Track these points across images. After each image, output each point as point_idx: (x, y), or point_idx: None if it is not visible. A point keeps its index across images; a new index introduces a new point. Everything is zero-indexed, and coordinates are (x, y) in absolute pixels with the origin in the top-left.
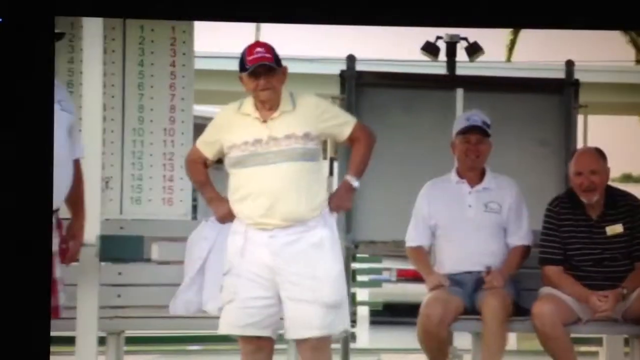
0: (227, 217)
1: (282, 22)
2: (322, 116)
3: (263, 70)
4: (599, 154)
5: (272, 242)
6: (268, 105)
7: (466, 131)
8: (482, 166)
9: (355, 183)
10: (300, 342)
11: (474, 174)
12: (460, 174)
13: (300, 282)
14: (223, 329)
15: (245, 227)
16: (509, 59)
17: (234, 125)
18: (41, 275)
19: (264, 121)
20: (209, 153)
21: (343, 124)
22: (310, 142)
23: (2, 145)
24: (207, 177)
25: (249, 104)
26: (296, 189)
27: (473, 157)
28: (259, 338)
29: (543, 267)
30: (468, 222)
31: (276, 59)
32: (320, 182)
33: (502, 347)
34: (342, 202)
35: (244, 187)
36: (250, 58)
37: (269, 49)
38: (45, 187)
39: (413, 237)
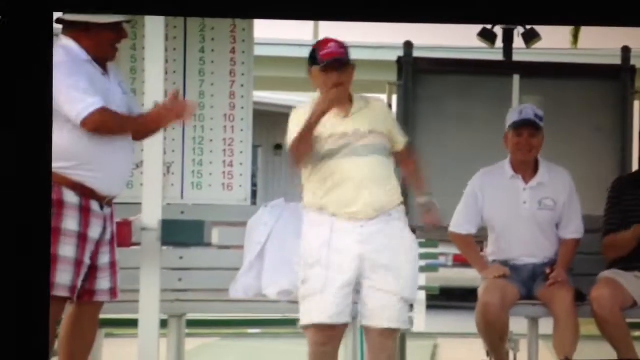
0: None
1: (334, 20)
2: (389, 119)
3: (337, 66)
4: None
5: (362, 231)
6: (338, 101)
7: (519, 125)
8: (535, 158)
9: (430, 197)
10: (372, 329)
11: (527, 167)
12: (514, 168)
13: (386, 273)
14: (311, 319)
15: (330, 218)
16: (575, 45)
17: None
18: (41, 274)
19: (346, 115)
20: None
21: (401, 134)
22: (386, 139)
23: (1, 145)
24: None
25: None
26: (382, 180)
27: (525, 151)
28: (334, 327)
29: (606, 237)
30: (522, 219)
31: (347, 55)
32: (395, 177)
33: (577, 337)
34: (434, 219)
35: (333, 177)
36: (323, 52)
37: (341, 44)
38: (45, 187)
39: (461, 224)
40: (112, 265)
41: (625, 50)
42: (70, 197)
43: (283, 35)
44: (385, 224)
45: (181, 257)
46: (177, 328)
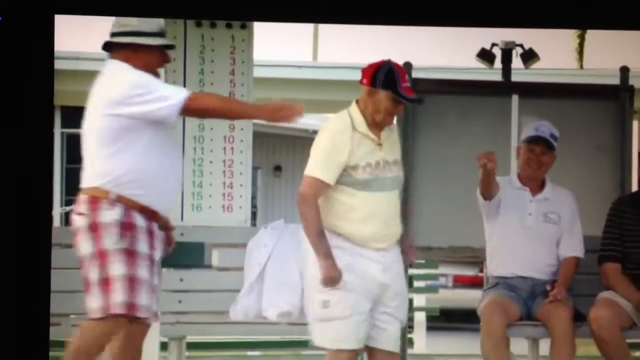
0: (335, 281)
1: (332, 23)
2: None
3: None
4: None
5: (384, 260)
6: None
7: (532, 141)
8: (543, 176)
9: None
10: (381, 352)
11: (535, 182)
12: (522, 181)
13: (400, 300)
14: (340, 343)
15: (351, 244)
16: (580, 63)
17: (354, 144)
18: (41, 274)
19: (379, 144)
20: (331, 179)
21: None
22: (402, 170)
23: (2, 145)
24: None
25: (361, 122)
26: (400, 213)
27: (535, 168)
28: (357, 350)
29: (601, 264)
30: (526, 230)
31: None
32: None
33: (573, 356)
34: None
35: (364, 209)
36: (405, 86)
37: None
38: (45, 187)
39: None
40: (157, 287)
41: (624, 70)
42: (140, 221)
43: (283, 57)
44: (397, 252)
45: (181, 279)
46: (177, 351)
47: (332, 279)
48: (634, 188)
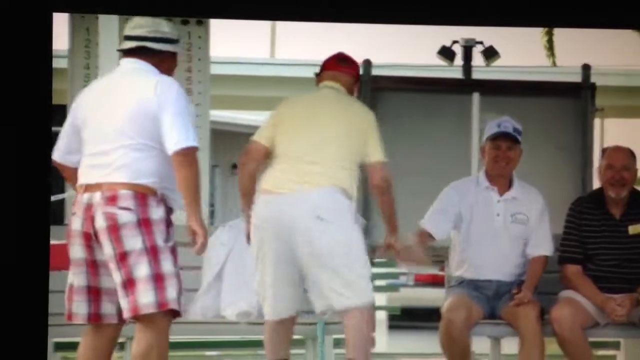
0: None
1: (295, 20)
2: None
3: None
4: (631, 153)
5: None
6: None
7: (497, 137)
8: (511, 173)
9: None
10: None
11: (502, 180)
12: (489, 180)
13: None
14: None
15: None
16: (552, 59)
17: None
18: (41, 272)
19: None
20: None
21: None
22: None
23: (2, 144)
24: None
25: None
26: None
27: (503, 164)
28: None
29: (562, 265)
30: (494, 231)
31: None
32: None
33: (543, 355)
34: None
35: None
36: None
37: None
38: (45, 186)
39: (428, 223)
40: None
41: (586, 68)
42: (166, 215)
43: (240, 54)
44: None
45: None
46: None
47: None
48: (596, 186)
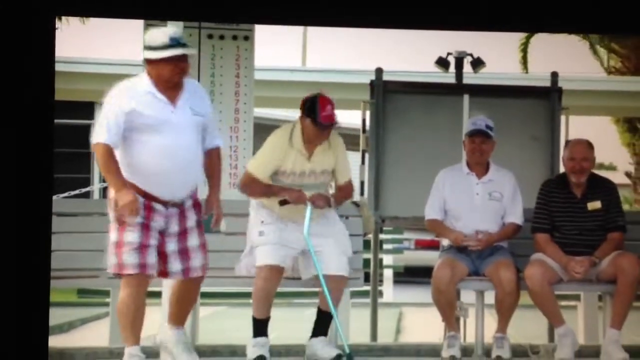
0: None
1: (310, 25)
2: (340, 156)
3: (329, 127)
4: (589, 145)
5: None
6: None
7: (472, 134)
8: (486, 161)
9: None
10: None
11: (480, 167)
12: (469, 167)
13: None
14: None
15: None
16: (525, 69)
17: (285, 154)
18: (41, 271)
19: (309, 158)
20: (263, 176)
21: (345, 171)
22: (330, 176)
23: (3, 144)
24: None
25: (298, 137)
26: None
27: (478, 155)
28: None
29: (534, 234)
30: (475, 208)
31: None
32: None
33: (515, 306)
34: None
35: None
36: (324, 114)
37: (334, 107)
38: (46, 186)
39: (431, 213)
40: (182, 251)
41: (554, 75)
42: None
43: (277, 63)
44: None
45: None
46: None
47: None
48: (562, 170)
